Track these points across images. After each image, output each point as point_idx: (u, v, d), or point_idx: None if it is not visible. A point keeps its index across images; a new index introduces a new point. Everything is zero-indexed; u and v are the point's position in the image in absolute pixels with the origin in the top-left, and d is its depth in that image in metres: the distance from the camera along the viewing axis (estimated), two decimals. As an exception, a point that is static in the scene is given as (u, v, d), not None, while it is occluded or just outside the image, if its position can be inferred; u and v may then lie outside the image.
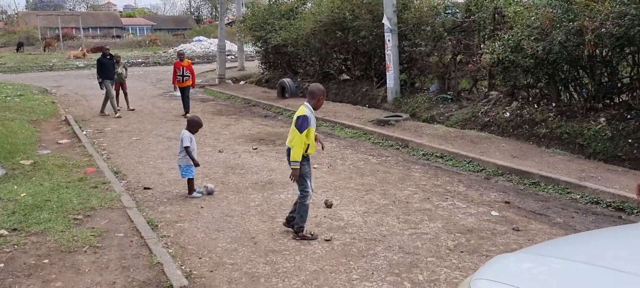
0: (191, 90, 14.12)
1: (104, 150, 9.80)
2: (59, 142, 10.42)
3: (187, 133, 6.93)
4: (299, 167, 5.17)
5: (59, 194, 6.68)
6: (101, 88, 13.70)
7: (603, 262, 2.10)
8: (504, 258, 2.35)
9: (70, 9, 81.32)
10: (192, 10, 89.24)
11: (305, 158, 5.32)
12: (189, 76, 13.61)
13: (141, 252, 5.06)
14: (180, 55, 14.08)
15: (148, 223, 5.83)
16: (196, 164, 6.87)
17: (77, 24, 60.19)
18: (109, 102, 13.68)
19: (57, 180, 7.38)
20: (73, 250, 5.07)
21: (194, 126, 7.02)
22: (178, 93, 14.38)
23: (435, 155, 8.78)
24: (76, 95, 18.30)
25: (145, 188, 7.31)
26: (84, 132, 11.33)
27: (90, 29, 67.30)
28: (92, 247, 5.16)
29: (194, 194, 6.86)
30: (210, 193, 6.92)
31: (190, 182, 6.94)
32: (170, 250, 5.16)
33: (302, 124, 5.10)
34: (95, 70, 13.89)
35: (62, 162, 8.50)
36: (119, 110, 13.79)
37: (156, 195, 7.01)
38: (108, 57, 13.63)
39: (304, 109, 5.20)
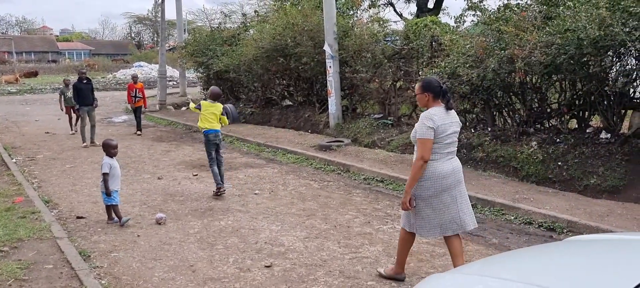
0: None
1: (35, 178, 9.37)
2: (-14, 170, 9.88)
3: (106, 159, 6.72)
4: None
5: (-17, 225, 6.30)
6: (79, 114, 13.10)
7: (534, 280, 2.15)
8: (438, 278, 2.38)
9: (2, 33, 78.09)
10: (132, 35, 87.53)
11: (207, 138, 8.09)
12: (141, 97, 14.59)
13: (71, 284, 4.82)
14: (134, 78, 15.06)
15: (80, 253, 5.56)
16: (108, 194, 6.63)
17: (9, 48, 57.82)
18: (83, 130, 12.87)
19: (-18, 211, 6.97)
20: (-4, 284, 4.78)
21: (107, 148, 6.81)
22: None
23: (376, 180, 8.88)
24: (7, 122, 17.50)
25: (78, 217, 7.00)
26: (14, 160, 10.81)
27: (24, 53, 64.90)
28: (17, 280, 4.87)
29: (123, 220, 6.62)
30: (159, 222, 6.69)
31: (108, 208, 6.72)
32: (103, 282, 4.94)
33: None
34: (72, 96, 13.31)
35: (-12, 192, 8.05)
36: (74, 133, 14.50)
37: (90, 224, 6.73)
38: (85, 81, 12.93)
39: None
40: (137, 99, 14.53)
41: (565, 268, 2.45)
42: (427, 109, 4.50)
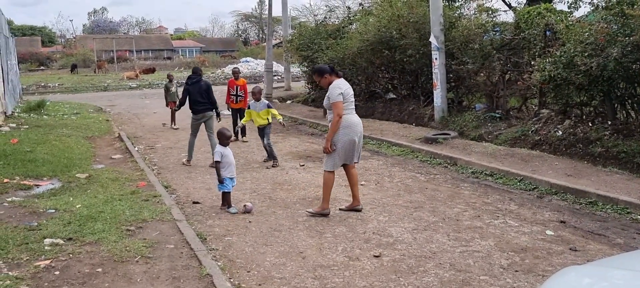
0: None
1: (154, 165, 10.03)
2: (113, 157, 10.73)
3: (218, 148, 7.04)
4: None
5: (112, 206, 6.85)
6: None
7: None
8: (573, 270, 2.24)
9: (124, 33, 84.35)
10: (239, 32, 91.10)
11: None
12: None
13: (191, 264, 5.12)
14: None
15: (197, 235, 5.89)
16: (220, 181, 6.90)
17: (130, 47, 62.31)
18: None
19: (111, 193, 7.58)
20: (125, 260, 5.17)
21: (221, 138, 7.10)
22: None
23: (485, 173, 8.60)
24: (129, 114, 18.86)
25: (194, 202, 7.42)
26: (136, 148, 11.63)
27: (142, 52, 69.61)
28: (143, 257, 5.25)
29: (231, 210, 6.87)
30: (247, 211, 6.83)
31: (224, 195, 7.00)
32: (219, 263, 5.19)
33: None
34: (175, 91, 14.32)
35: (115, 176, 8.74)
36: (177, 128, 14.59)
37: (205, 209, 7.10)
38: None
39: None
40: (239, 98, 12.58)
41: None
42: (331, 84, 6.41)
